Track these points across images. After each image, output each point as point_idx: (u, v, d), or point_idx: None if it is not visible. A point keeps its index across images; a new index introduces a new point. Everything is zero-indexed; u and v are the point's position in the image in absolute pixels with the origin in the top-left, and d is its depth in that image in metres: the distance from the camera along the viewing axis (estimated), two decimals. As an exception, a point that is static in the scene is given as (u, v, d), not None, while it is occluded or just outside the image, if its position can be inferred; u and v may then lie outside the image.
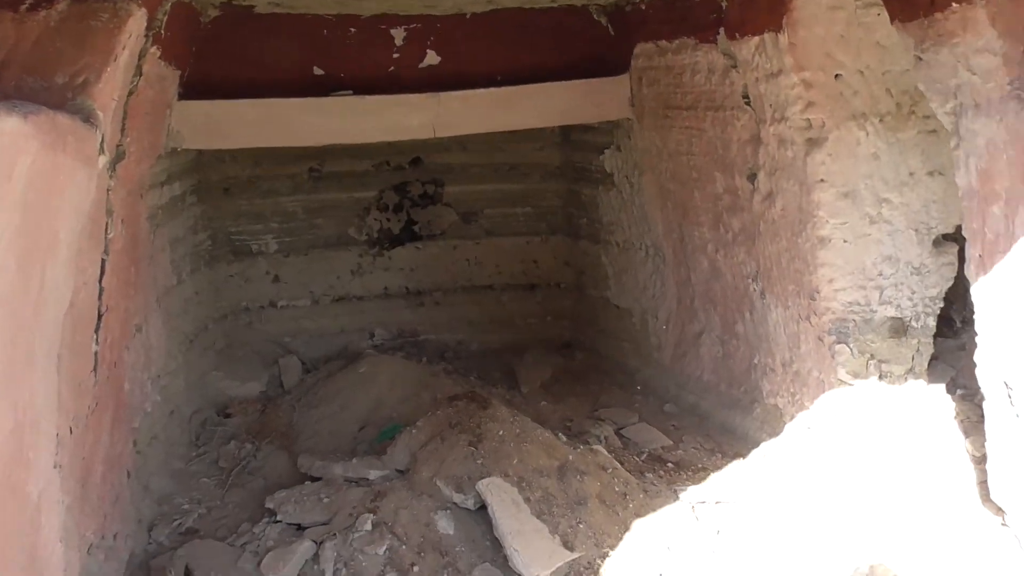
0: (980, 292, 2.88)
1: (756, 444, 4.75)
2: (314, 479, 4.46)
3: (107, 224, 3.42)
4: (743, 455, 4.75)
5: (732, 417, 5.14)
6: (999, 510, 3.15)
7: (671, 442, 5.09)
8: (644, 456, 4.91)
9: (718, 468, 4.67)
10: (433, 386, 5.52)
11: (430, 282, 7.08)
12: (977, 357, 3.01)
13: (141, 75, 3.50)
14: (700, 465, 4.75)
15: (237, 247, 6.63)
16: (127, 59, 3.16)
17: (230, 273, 6.61)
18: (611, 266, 6.43)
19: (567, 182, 6.85)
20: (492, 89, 5.26)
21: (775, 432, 4.67)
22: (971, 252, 2.95)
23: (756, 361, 4.86)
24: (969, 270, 2.97)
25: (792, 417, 4.56)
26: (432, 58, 5.43)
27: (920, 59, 2.90)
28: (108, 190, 3.40)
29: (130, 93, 3.47)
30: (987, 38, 2.60)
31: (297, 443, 5.22)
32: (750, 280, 4.61)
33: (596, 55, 5.48)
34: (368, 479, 4.27)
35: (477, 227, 7.06)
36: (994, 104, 2.65)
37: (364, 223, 6.91)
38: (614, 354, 6.49)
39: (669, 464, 4.80)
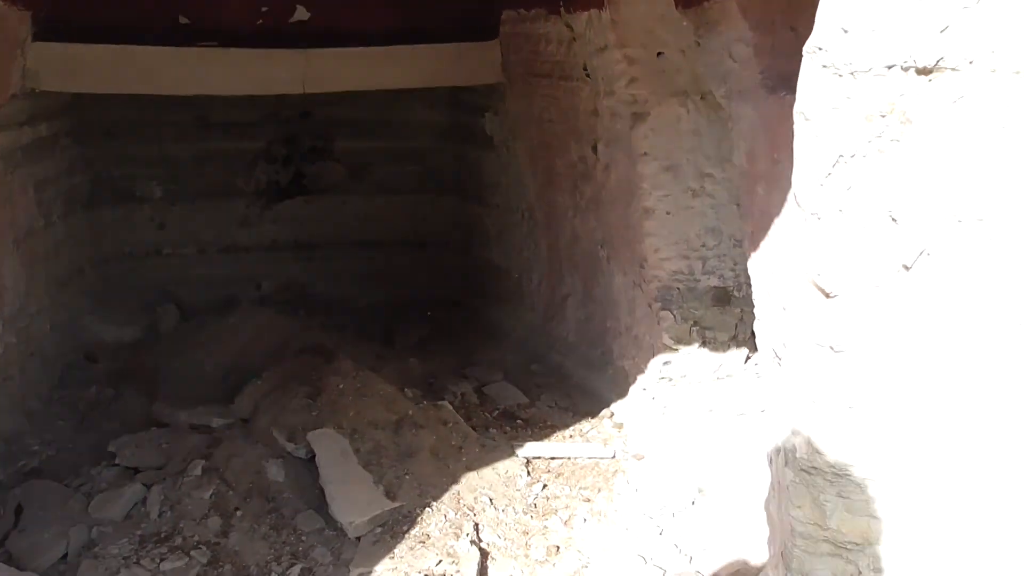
0: (753, 267, 3.06)
1: (607, 404, 4.96)
2: (165, 425, 4.54)
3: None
4: (593, 414, 4.94)
5: (590, 377, 5.32)
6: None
7: (528, 400, 5.24)
8: (497, 413, 5.05)
9: (566, 426, 4.85)
10: (302, 339, 5.59)
11: (319, 236, 7.11)
12: (755, 327, 3.19)
13: (-32, 13, 3.48)
14: (549, 422, 4.91)
15: (120, 192, 6.58)
16: (-59, -3, 3.14)
17: (112, 218, 6.57)
18: (493, 227, 6.54)
19: (456, 142, 6.91)
20: (362, 48, 5.28)
21: (623, 393, 4.87)
22: (745, 229, 3.12)
23: (609, 324, 5.03)
24: (745, 246, 3.14)
25: (635, 379, 4.75)
26: (302, 13, 5.42)
27: (699, 44, 3.02)
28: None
29: (-42, 32, 3.44)
30: (740, 29, 2.73)
31: (161, 389, 5.27)
32: (599, 246, 4.76)
33: (468, 19, 5.52)
34: (211, 426, 4.36)
35: (367, 183, 7.10)
36: (751, 91, 2.79)
37: (252, 174, 6.90)
38: (494, 313, 6.63)
39: (519, 421, 4.96)
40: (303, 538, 3.69)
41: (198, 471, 3.87)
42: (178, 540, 3.57)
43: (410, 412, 4.33)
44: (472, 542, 3.64)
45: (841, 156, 1.64)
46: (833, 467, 1.66)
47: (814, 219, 1.70)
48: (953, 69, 1.58)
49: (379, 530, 3.69)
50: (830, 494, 1.66)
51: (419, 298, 7.03)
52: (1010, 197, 1.62)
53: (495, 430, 4.74)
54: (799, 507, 1.71)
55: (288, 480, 3.94)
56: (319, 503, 3.87)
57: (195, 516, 3.69)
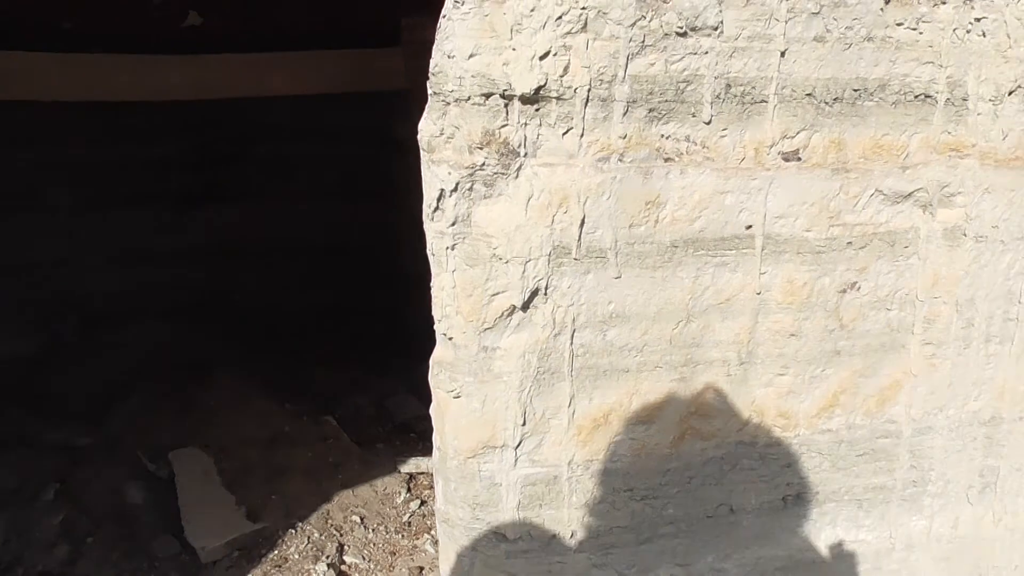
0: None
1: (510, 417, 4.82)
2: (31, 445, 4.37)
3: None
4: (494, 427, 4.81)
5: (495, 388, 5.19)
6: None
7: (427, 412, 5.11)
8: (391, 426, 4.92)
9: (462, 439, 4.72)
10: (200, 352, 5.46)
11: (238, 243, 6.93)
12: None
13: None
14: (445, 436, 4.78)
15: (26, 200, 6.38)
16: None
17: (17, 227, 6.36)
18: (406, 233, 6.38)
19: (377, 147, 6.75)
20: (256, 53, 5.11)
21: (522, 405, 4.74)
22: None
23: (510, 335, 4.90)
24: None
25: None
26: (194, 18, 5.23)
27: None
28: None
29: None
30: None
31: (51, 406, 5.10)
32: (490, 254, 4.62)
33: (370, 25, 5.35)
34: (78, 446, 4.20)
35: (286, 189, 6.93)
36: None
37: (165, 181, 6.71)
38: (408, 322, 6.47)
39: (412, 435, 4.82)
40: (156, 564, 3.53)
41: (50, 495, 3.71)
42: (19, 571, 3.40)
43: (286, 428, 4.19)
44: (331, 565, 3.50)
45: (444, 189, 1.53)
46: (462, 519, 1.54)
47: (431, 256, 1.59)
48: (559, 98, 1.47)
49: (236, 554, 3.54)
50: (466, 546, 1.54)
51: (338, 306, 6.88)
52: (624, 232, 1.51)
53: (383, 445, 4.60)
54: (444, 562, 1.59)
55: (148, 503, 3.79)
56: (179, 527, 3.72)
57: (42, 544, 3.52)
